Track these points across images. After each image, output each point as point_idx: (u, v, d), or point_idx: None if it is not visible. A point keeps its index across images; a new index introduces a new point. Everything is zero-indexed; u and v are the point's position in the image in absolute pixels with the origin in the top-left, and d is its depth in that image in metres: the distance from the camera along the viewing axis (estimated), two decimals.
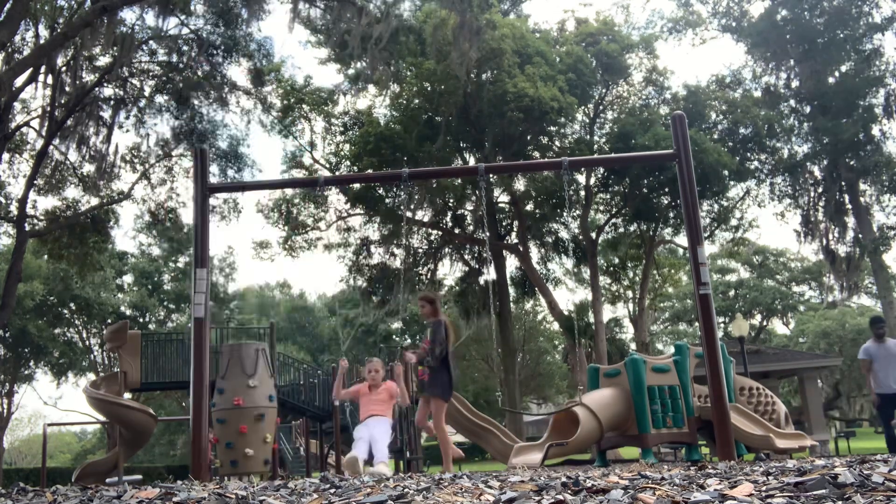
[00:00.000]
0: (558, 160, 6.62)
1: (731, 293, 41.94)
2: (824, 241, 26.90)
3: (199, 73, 21.14)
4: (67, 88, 19.59)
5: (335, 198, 26.35)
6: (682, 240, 27.07)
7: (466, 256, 27.99)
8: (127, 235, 47.87)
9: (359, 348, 44.19)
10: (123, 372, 12.68)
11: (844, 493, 2.08)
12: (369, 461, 5.92)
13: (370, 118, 25.54)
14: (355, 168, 24.20)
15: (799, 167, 26.28)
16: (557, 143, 25.06)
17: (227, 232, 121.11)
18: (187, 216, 23.64)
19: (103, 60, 20.87)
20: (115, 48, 18.78)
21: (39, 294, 30.40)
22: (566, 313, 26.07)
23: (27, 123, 20.84)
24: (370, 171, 22.41)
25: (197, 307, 5.98)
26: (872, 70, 25.83)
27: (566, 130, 25.41)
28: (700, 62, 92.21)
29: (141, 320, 38.44)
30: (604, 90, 26.03)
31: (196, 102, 21.83)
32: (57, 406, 70.61)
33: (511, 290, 28.71)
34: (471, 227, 26.85)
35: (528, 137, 24.01)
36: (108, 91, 21.19)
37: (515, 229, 27.32)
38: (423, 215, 26.12)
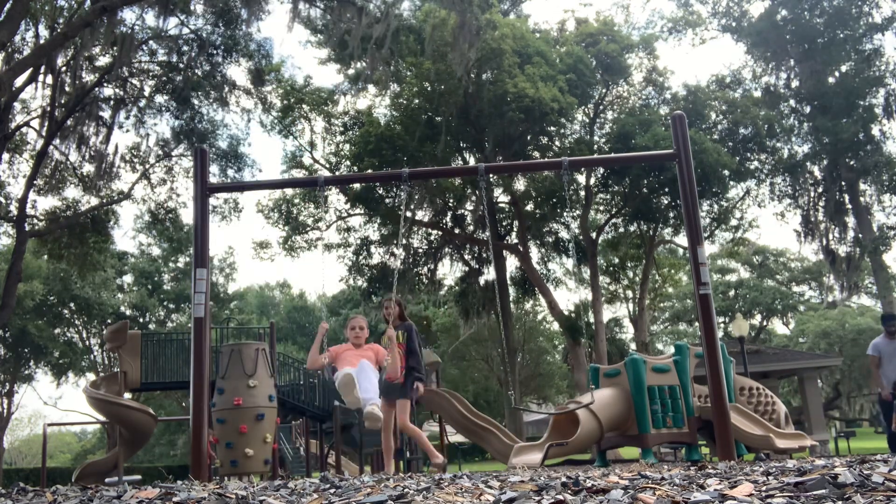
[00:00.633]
0: (558, 160, 6.61)
1: (731, 293, 41.93)
2: (824, 241, 26.90)
3: (199, 72, 21.15)
4: (67, 88, 19.60)
5: (335, 198, 26.37)
6: (682, 240, 27.09)
7: (466, 256, 28.00)
8: (127, 235, 47.86)
9: None
10: (123, 372, 12.70)
11: (844, 493, 2.08)
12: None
13: (370, 118, 25.54)
14: (355, 168, 24.20)
15: (799, 167, 26.29)
16: (557, 143, 25.06)
17: (227, 232, 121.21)
18: (187, 216, 23.66)
19: (103, 60, 20.89)
20: (115, 48, 18.78)
21: (39, 294, 30.41)
22: (566, 313, 26.07)
23: (27, 123, 20.86)
24: (370, 171, 22.41)
25: (197, 307, 5.97)
26: (872, 70, 25.83)
27: (566, 130, 25.41)
28: (700, 62, 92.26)
29: (141, 320, 38.45)
30: (604, 90, 26.03)
31: (196, 102, 21.84)
32: (57, 406, 70.71)
33: (511, 290, 28.71)
34: (471, 227, 26.85)
35: (528, 137, 24.01)
36: (108, 91, 21.20)
37: (515, 229, 27.32)
38: (424, 215, 26.13)
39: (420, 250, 27.67)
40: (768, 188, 27.29)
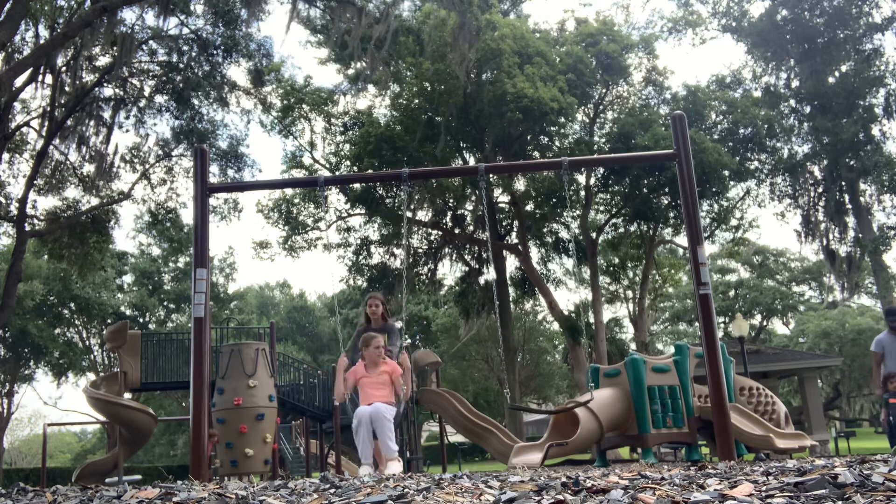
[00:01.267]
0: (558, 160, 6.60)
1: (731, 293, 41.94)
2: (824, 241, 26.90)
3: (199, 72, 21.15)
4: (67, 88, 19.60)
5: (335, 198, 26.37)
6: (682, 240, 27.08)
7: (466, 256, 28.00)
8: (127, 236, 47.90)
9: None
10: (123, 372, 12.70)
11: (844, 493, 2.08)
12: (376, 463, 5.63)
13: (370, 118, 25.54)
14: (355, 168, 24.20)
15: (799, 167, 26.29)
16: (557, 143, 25.06)
17: (227, 232, 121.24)
18: (187, 216, 23.67)
19: (103, 60, 20.90)
20: (115, 48, 18.79)
21: (39, 294, 30.41)
22: (566, 313, 26.07)
23: (27, 123, 20.86)
24: (370, 171, 22.41)
25: (197, 307, 5.97)
26: (872, 70, 25.83)
27: (566, 130, 25.41)
28: (700, 62, 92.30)
29: (141, 320, 38.46)
30: (604, 90, 26.03)
31: (196, 102, 21.85)
32: (57, 406, 70.77)
33: (511, 290, 28.71)
34: (471, 227, 26.85)
35: (528, 137, 24.02)
36: (108, 91, 21.21)
37: (515, 229, 27.32)
38: (424, 215, 26.14)
39: (420, 250, 27.68)
40: (768, 188, 27.30)
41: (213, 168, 22.43)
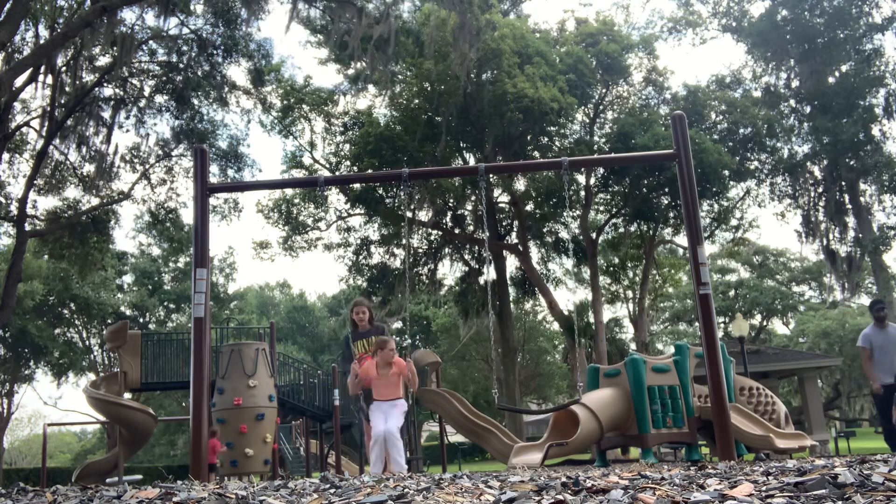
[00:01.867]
0: (558, 160, 6.60)
1: (731, 293, 41.93)
2: (825, 241, 26.89)
3: (199, 72, 21.16)
4: (67, 88, 19.60)
5: (335, 198, 26.37)
6: (682, 240, 27.08)
7: (466, 256, 28.00)
8: (127, 236, 47.89)
9: None
10: (123, 372, 12.71)
11: (844, 493, 2.08)
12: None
13: (370, 118, 25.54)
14: (355, 168, 24.20)
15: (799, 167, 26.28)
16: (557, 143, 25.06)
17: (227, 232, 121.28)
18: (187, 216, 23.67)
19: (103, 60, 20.89)
20: (115, 48, 18.78)
21: (39, 294, 30.40)
22: (566, 313, 26.07)
23: (27, 123, 20.86)
24: (370, 171, 22.41)
25: (197, 307, 5.97)
26: (872, 70, 25.83)
27: (566, 131, 25.41)
28: (700, 62, 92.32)
29: (141, 320, 38.45)
30: (604, 90, 26.03)
31: (196, 102, 21.85)
32: (57, 406, 70.81)
33: (511, 290, 28.71)
34: (471, 227, 26.85)
35: (528, 137, 24.01)
36: (108, 91, 21.20)
37: (515, 229, 27.32)
38: (424, 215, 26.13)
39: (420, 250, 27.68)
40: (768, 188, 27.30)
41: (213, 168, 22.44)
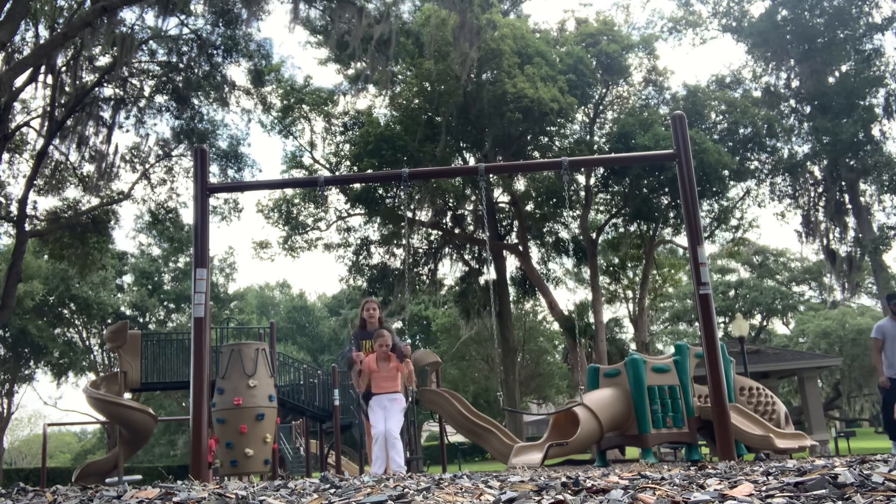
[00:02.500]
0: (558, 160, 6.61)
1: (731, 293, 41.94)
2: (825, 241, 26.89)
3: (199, 72, 21.16)
4: (67, 88, 19.60)
5: (335, 198, 26.36)
6: (682, 240, 27.08)
7: (466, 256, 28.00)
8: (127, 236, 47.87)
9: None
10: (123, 372, 12.70)
11: (844, 493, 2.08)
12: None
13: (370, 118, 25.54)
14: (355, 168, 24.19)
15: (799, 167, 26.28)
16: (557, 143, 25.06)
17: (227, 232, 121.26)
18: (187, 216, 23.66)
19: (103, 60, 20.90)
20: (115, 48, 18.78)
21: (39, 294, 30.40)
22: (566, 313, 26.07)
23: (27, 123, 20.86)
24: (370, 171, 22.40)
25: (197, 307, 5.97)
26: (872, 70, 25.83)
27: (566, 131, 25.40)
28: (700, 62, 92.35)
29: (141, 320, 38.44)
30: (604, 90, 26.03)
31: (196, 102, 21.85)
32: (57, 406, 70.82)
33: (511, 290, 28.71)
34: (471, 227, 26.85)
35: (528, 137, 24.01)
36: (108, 91, 21.20)
37: (515, 229, 27.32)
38: (424, 215, 26.13)
39: (420, 250, 27.68)
40: (768, 188, 27.30)
41: (213, 168, 22.44)
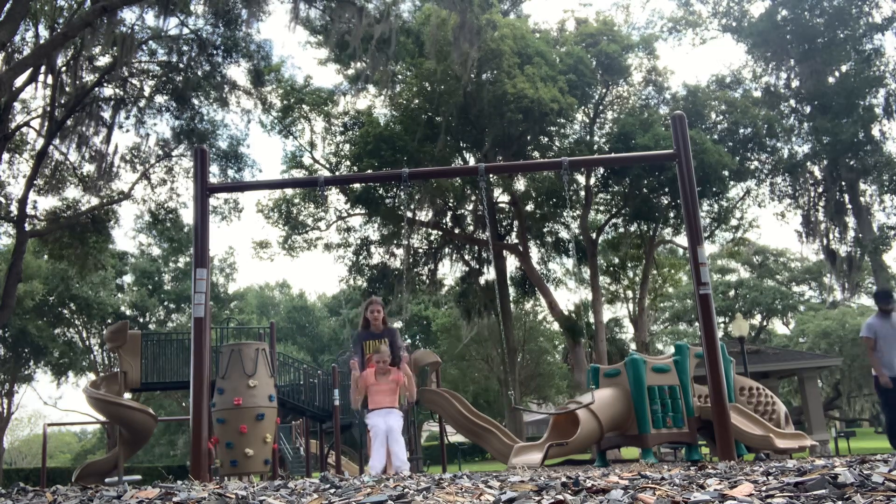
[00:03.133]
0: (558, 160, 6.61)
1: (731, 293, 41.93)
2: (825, 241, 26.89)
3: (199, 73, 21.16)
4: (67, 88, 19.60)
5: (335, 198, 26.36)
6: (682, 240, 27.08)
7: (466, 256, 27.99)
8: (127, 235, 47.86)
9: None
10: (123, 372, 12.71)
11: (844, 493, 2.08)
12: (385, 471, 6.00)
13: (370, 118, 25.53)
14: (355, 168, 24.19)
15: (799, 167, 26.28)
16: (557, 143, 25.06)
17: (227, 232, 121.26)
18: (187, 216, 23.67)
19: (103, 60, 20.89)
20: (115, 48, 18.78)
21: (39, 294, 30.39)
22: (566, 313, 26.06)
23: (27, 123, 20.85)
24: (370, 171, 22.40)
25: (197, 307, 5.97)
26: (872, 70, 25.83)
27: (566, 131, 25.40)
28: (700, 62, 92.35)
29: (141, 320, 38.44)
30: (604, 90, 26.02)
31: (196, 102, 21.85)
32: (57, 406, 70.77)
33: (511, 290, 28.70)
34: (471, 227, 26.84)
35: (528, 137, 24.00)
36: (108, 91, 21.20)
37: (515, 229, 27.31)
38: (424, 215, 26.12)
39: (420, 250, 27.67)
40: (768, 188, 27.30)
41: (213, 168, 22.43)
